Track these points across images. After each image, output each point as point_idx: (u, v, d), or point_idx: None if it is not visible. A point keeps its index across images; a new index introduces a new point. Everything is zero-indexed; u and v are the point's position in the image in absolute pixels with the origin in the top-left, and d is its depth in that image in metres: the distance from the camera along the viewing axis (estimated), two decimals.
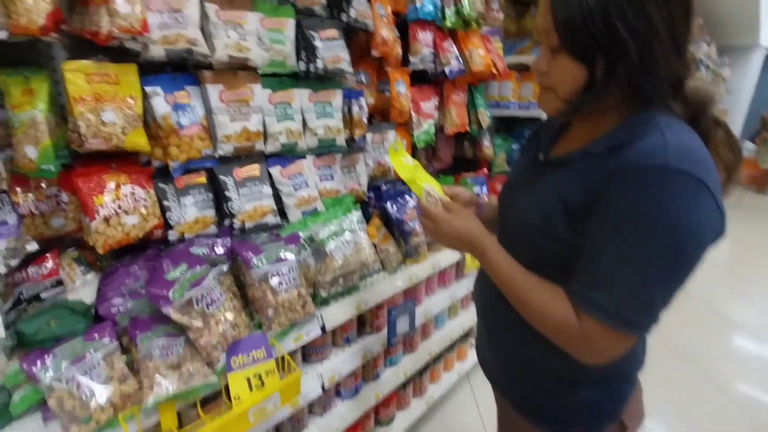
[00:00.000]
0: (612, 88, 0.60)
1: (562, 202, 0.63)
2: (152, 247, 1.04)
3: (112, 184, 0.88)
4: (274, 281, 0.98)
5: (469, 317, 1.86)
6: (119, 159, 0.92)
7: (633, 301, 0.57)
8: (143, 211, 0.93)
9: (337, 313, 1.16)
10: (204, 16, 0.95)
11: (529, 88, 2.10)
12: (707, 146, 0.60)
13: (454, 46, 1.66)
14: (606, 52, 0.57)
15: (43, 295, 0.86)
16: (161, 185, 0.98)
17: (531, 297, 0.66)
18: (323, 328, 1.12)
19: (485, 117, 1.89)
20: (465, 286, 1.76)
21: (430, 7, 1.50)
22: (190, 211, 1.02)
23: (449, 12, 1.57)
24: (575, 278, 0.62)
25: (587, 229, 0.60)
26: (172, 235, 0.99)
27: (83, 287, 0.89)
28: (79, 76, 0.80)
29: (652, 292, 0.56)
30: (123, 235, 0.89)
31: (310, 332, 1.09)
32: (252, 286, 0.99)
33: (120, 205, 0.88)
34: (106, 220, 0.86)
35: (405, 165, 0.87)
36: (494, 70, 1.76)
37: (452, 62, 1.63)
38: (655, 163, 0.54)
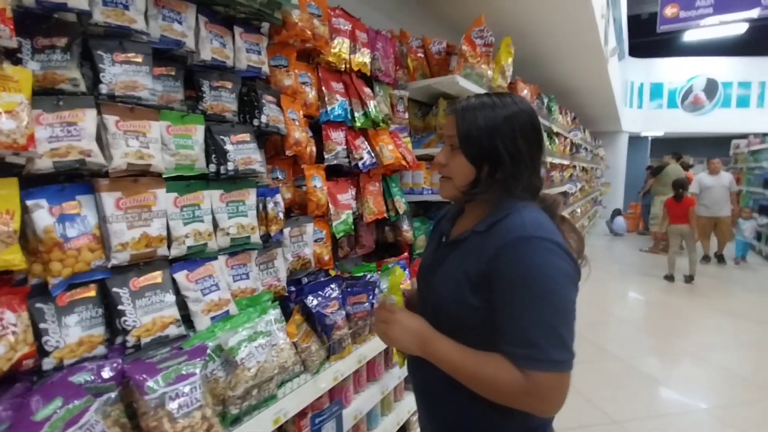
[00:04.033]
0: (493, 186, 0.83)
1: (465, 274, 0.80)
2: (23, 380, 0.88)
3: None
4: (172, 405, 0.87)
5: (404, 408, 1.78)
6: None
7: (552, 345, 0.71)
8: (11, 338, 0.80)
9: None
10: (102, 126, 0.94)
11: (439, 176, 2.32)
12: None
13: (365, 142, 1.80)
14: (489, 161, 0.82)
15: None
16: (38, 305, 0.86)
17: (481, 372, 0.75)
18: None
19: (401, 204, 2.01)
20: (396, 375, 1.71)
21: (339, 111, 1.64)
22: (74, 331, 0.90)
23: (358, 115, 1.73)
24: (505, 342, 0.74)
25: (493, 296, 0.76)
26: (48, 364, 0.86)
27: None
28: None
29: (559, 331, 0.71)
30: None
31: None
32: (146, 415, 0.86)
33: None
34: None
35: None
36: (404, 162, 1.93)
37: (365, 157, 1.75)
38: (518, 234, 0.75)
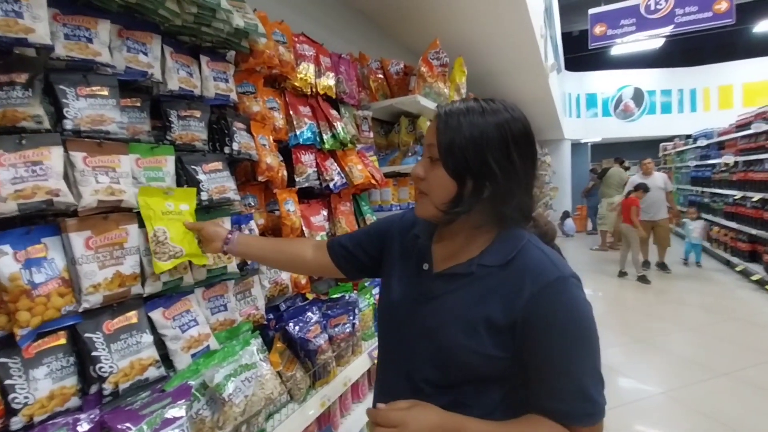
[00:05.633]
0: (477, 206, 0.71)
1: (486, 319, 0.69)
2: None
3: None
4: None
5: None
6: None
7: (600, 393, 0.67)
8: None
9: None
10: (69, 164, 0.89)
11: (406, 192, 2.37)
12: None
13: (335, 163, 1.82)
14: (474, 176, 0.70)
15: None
16: (1, 360, 0.79)
17: None
18: None
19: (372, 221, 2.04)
20: None
21: (309, 134, 1.65)
22: (43, 384, 0.83)
23: (327, 137, 1.75)
24: (554, 398, 0.67)
25: (529, 345, 0.68)
26: (17, 423, 0.78)
27: None
28: None
29: (599, 373, 0.68)
30: None
31: None
32: None
33: None
34: None
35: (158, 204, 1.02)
36: (373, 181, 1.96)
37: (335, 178, 1.77)
38: (556, 276, 0.68)
